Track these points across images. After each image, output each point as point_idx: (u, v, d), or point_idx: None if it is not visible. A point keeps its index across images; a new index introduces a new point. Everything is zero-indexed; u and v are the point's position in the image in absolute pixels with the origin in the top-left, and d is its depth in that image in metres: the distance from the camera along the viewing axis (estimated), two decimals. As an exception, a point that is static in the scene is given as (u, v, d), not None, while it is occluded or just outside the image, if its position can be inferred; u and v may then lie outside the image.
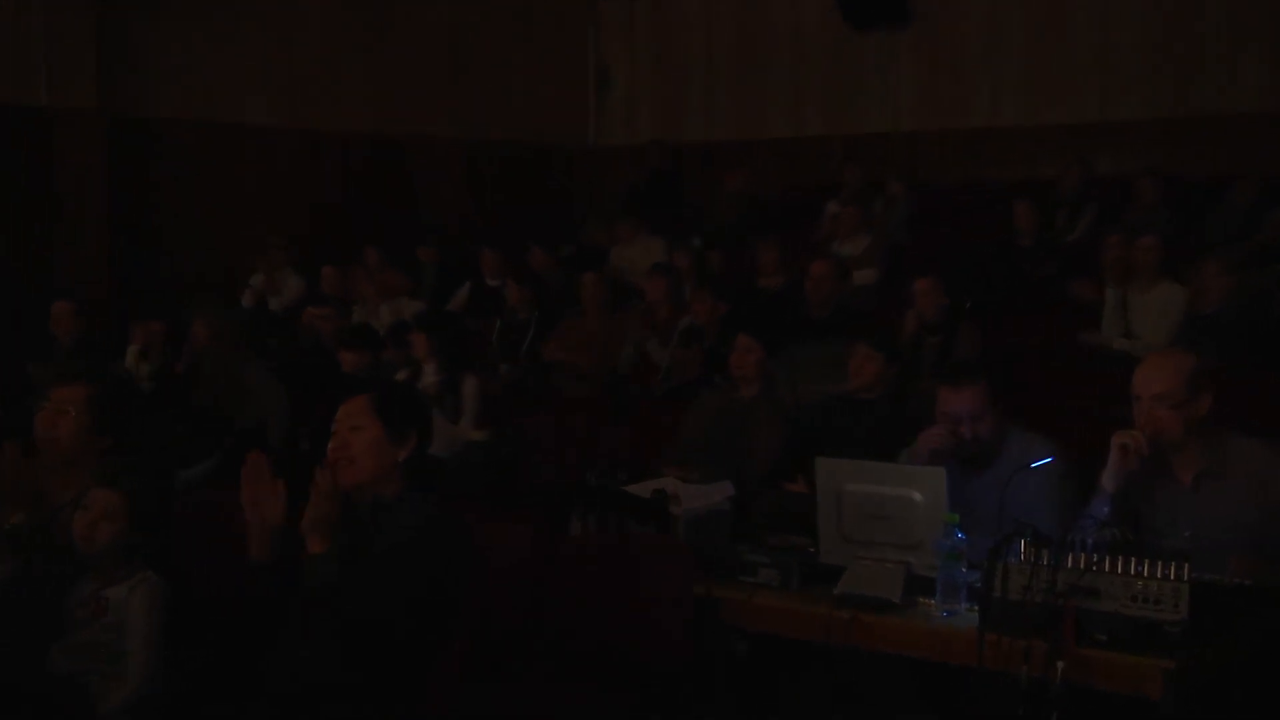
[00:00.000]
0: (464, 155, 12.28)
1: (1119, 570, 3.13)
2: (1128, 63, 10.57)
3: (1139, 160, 9.79)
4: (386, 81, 11.57)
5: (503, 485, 6.32)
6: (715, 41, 12.72)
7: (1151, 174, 9.12)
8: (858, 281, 8.26)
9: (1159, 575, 3.09)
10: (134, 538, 3.64)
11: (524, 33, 12.62)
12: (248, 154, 10.71)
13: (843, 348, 5.69)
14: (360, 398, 3.41)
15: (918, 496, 3.63)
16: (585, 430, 6.53)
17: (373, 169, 11.56)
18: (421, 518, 3.31)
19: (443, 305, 9.41)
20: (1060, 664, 3.08)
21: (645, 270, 8.29)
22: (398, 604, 3.18)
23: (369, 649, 3.20)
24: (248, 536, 3.37)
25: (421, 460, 3.46)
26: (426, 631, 3.26)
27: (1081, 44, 10.79)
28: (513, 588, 4.21)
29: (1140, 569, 3.12)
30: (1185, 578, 3.07)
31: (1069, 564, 3.18)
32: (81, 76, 9.81)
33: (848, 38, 11.82)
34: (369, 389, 3.47)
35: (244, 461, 3.39)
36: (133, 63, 10.12)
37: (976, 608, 3.34)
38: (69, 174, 9.82)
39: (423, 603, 3.22)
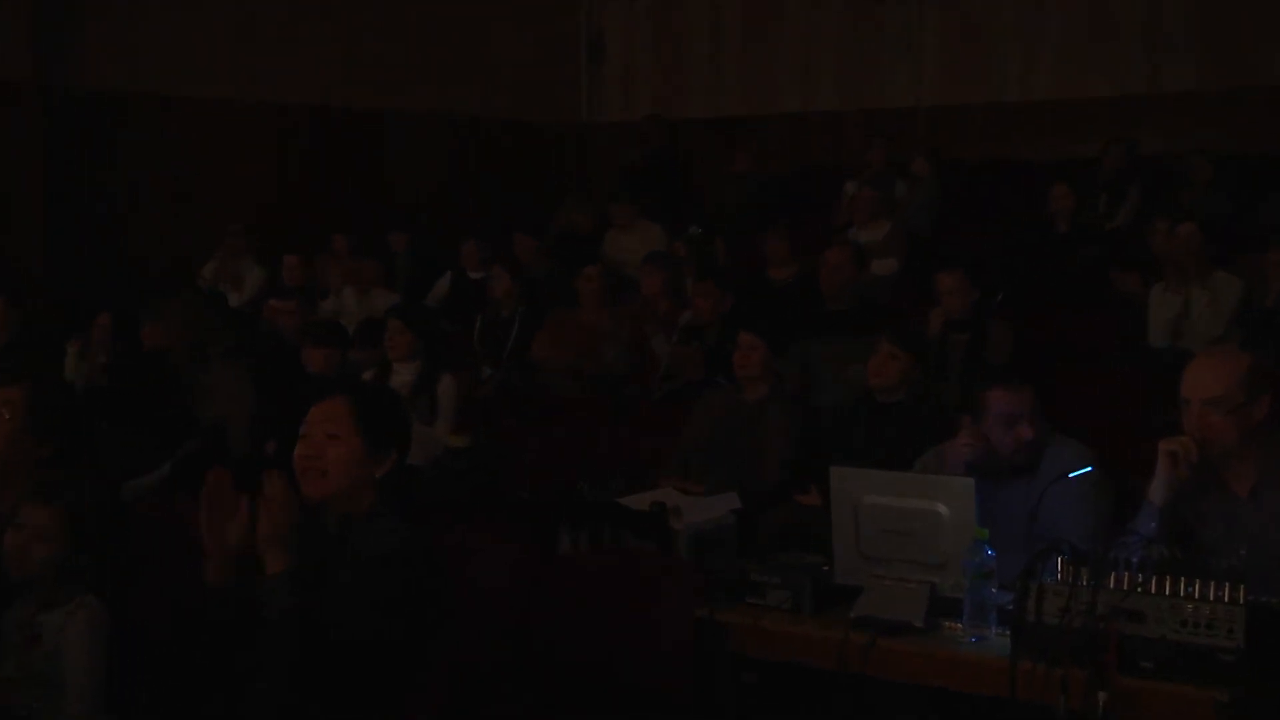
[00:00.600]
0: (442, 132, 12.27)
1: (1167, 591, 3.13)
2: (1178, 28, 10.56)
3: (1190, 137, 9.80)
4: (356, 50, 11.58)
5: (485, 497, 6.30)
6: (721, 6, 12.73)
7: (1203, 152, 9.11)
8: (876, 271, 8.26)
9: (1211, 597, 3.09)
10: (73, 559, 3.62)
11: (508, -4, 12.64)
12: (201, 130, 10.69)
13: (861, 344, 5.69)
14: (340, 400, 3.37)
15: (943, 509, 3.62)
16: (577, 436, 6.52)
17: (340, 148, 11.56)
18: (395, 537, 3.29)
19: (418, 297, 9.41)
20: (1102, 695, 3.08)
21: (641, 260, 8.28)
22: (366, 633, 3.17)
23: (334, 682, 3.18)
24: (204, 559, 3.34)
25: (398, 471, 3.44)
26: (399, 662, 3.25)
27: (1126, 7, 10.79)
28: (497, 611, 4.21)
29: (1191, 590, 3.11)
30: (1241, 600, 3.06)
31: (1111, 584, 3.18)
32: (14, 46, 9.79)
33: (866, 2, 11.82)
34: (349, 390, 3.44)
35: (202, 475, 3.36)
36: (74, 32, 10.10)
37: (1008, 632, 3.33)
38: (1, 152, 9.80)
39: (395, 631, 3.21)
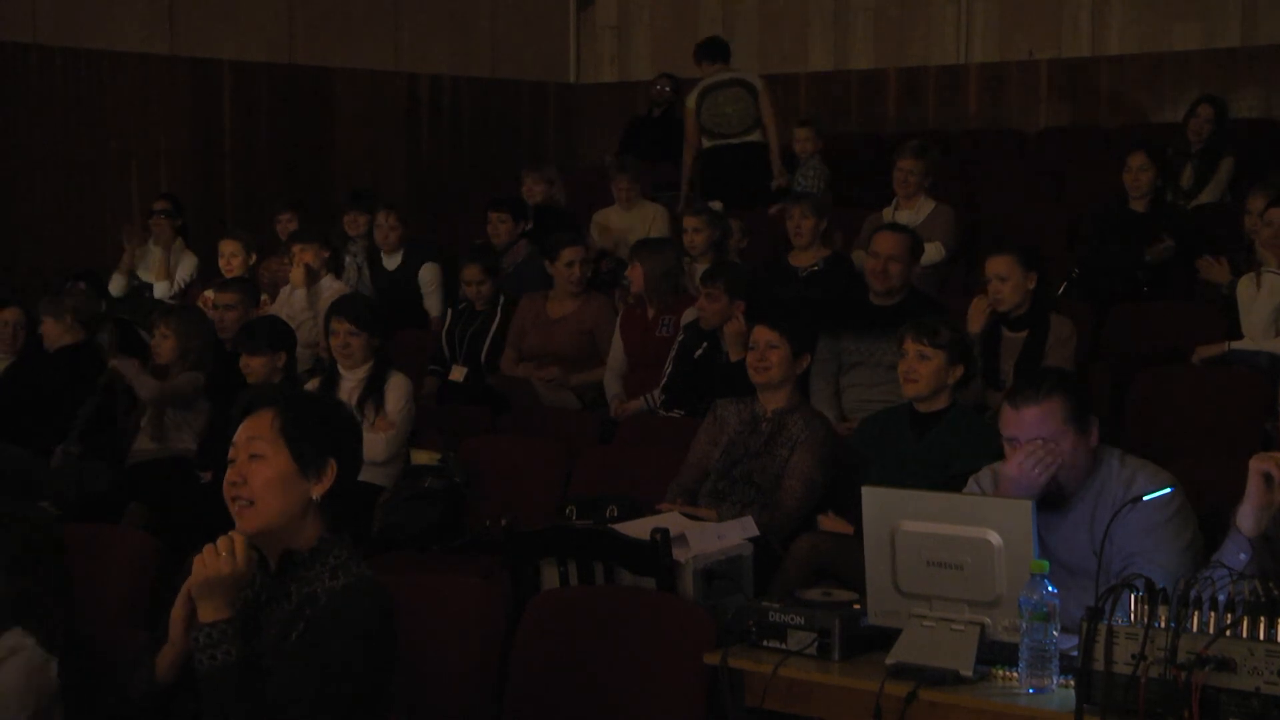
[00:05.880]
0: (405, 95, 12.28)
1: (1261, 636, 3.14)
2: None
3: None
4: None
5: (455, 524, 6.33)
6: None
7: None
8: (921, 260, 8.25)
9: (1314, 642, 3.10)
10: (12, 584, 3.62)
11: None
12: (121, 90, 10.71)
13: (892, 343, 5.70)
14: (263, 414, 3.36)
15: (995, 537, 3.63)
16: (563, 453, 6.53)
17: (285, 112, 11.56)
18: (342, 578, 3.29)
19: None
20: (1183, 757, 3.10)
21: (639, 242, 8.28)
22: (303, 698, 3.18)
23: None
24: (169, 635, 3.33)
25: (346, 494, 3.43)
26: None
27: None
28: (468, 662, 4.22)
29: (1289, 634, 3.13)
30: (1347, 645, 3.08)
31: (1194, 627, 3.19)
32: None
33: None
34: (275, 401, 3.41)
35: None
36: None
37: (1072, 683, 3.35)
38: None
39: (340, 691, 3.21)
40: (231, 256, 9.31)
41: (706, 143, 10.37)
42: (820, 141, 10.32)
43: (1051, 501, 4.04)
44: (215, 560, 3.22)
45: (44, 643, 3.63)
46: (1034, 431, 4.03)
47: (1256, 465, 3.66)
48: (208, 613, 3.22)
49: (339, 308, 6.87)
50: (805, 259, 8.01)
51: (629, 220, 9.55)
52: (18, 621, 3.63)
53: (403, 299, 9.18)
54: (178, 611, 3.30)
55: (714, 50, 10.64)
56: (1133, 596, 3.26)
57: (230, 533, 3.27)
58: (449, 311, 8.44)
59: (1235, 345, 6.89)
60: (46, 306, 7.92)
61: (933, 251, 8.21)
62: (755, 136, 10.32)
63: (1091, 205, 8.60)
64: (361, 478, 3.67)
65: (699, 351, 7.05)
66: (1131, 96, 11.05)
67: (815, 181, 10.08)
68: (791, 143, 10.33)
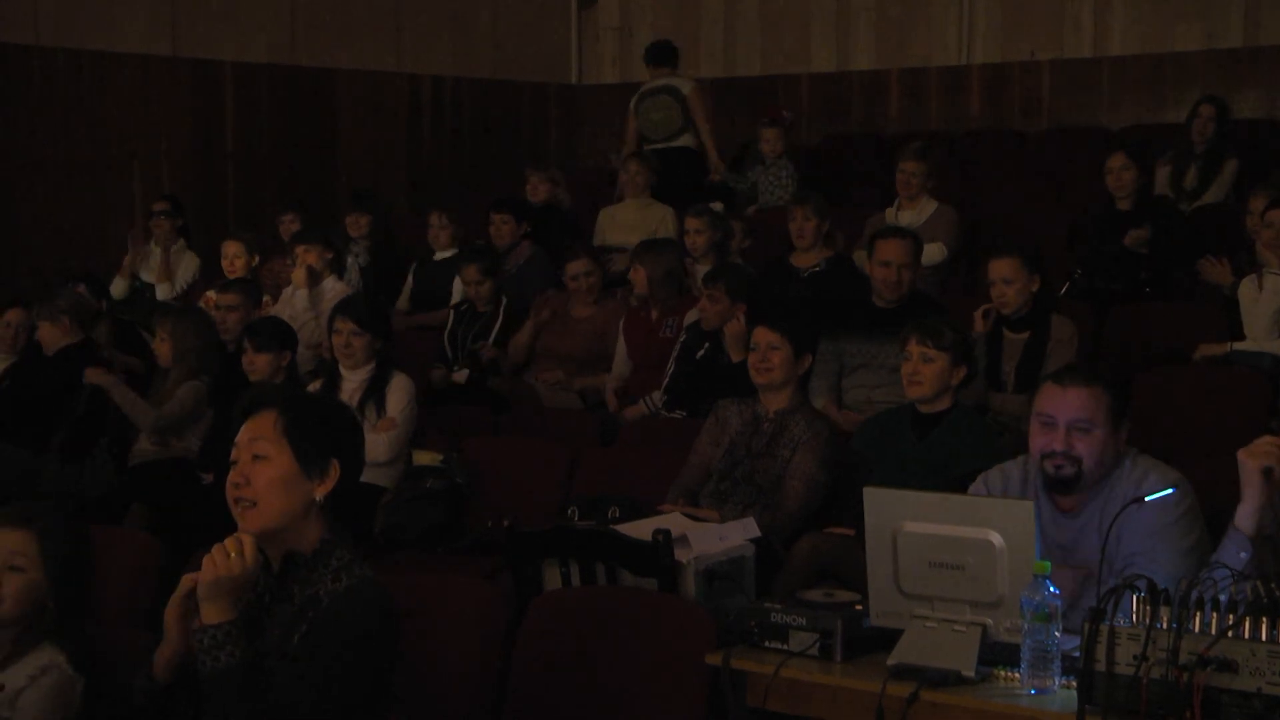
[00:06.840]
0: (407, 95, 12.29)
1: (1263, 636, 3.14)
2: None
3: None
4: (306, -1, 11.62)
5: (457, 525, 6.33)
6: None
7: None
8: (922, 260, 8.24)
9: (1316, 642, 3.10)
10: (48, 599, 3.60)
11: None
12: (122, 91, 10.71)
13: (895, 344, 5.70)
14: (266, 415, 3.37)
15: (997, 538, 3.63)
16: (565, 454, 6.53)
17: (287, 113, 11.57)
18: (345, 580, 3.30)
19: (390, 293, 9.41)
20: (1185, 758, 3.10)
21: (641, 244, 8.28)
22: (308, 694, 3.19)
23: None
24: (165, 634, 3.34)
25: (349, 495, 3.43)
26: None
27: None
28: (469, 662, 4.22)
29: (1291, 634, 3.12)
30: (1352, 645, 3.08)
31: (1196, 628, 3.19)
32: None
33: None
34: (277, 402, 3.42)
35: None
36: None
37: (1074, 683, 3.35)
38: None
39: (342, 692, 3.22)
40: (235, 258, 9.30)
41: (646, 146, 10.45)
42: (786, 141, 10.38)
43: (1067, 487, 4.05)
44: (225, 560, 3.23)
45: (73, 661, 3.63)
46: (1075, 412, 4.02)
47: (1249, 461, 3.64)
48: (212, 614, 3.23)
49: (343, 308, 6.89)
50: (807, 260, 8.00)
51: (636, 218, 9.53)
52: (49, 637, 3.63)
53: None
54: (172, 610, 3.30)
55: (658, 55, 10.82)
56: (1134, 597, 3.26)
57: (238, 533, 3.27)
58: (450, 313, 8.45)
59: (1238, 346, 6.90)
60: (41, 311, 7.92)
61: (935, 252, 8.21)
62: (684, 141, 10.44)
63: (1091, 206, 8.60)
64: (363, 478, 3.68)
65: (701, 352, 7.05)
66: (1133, 97, 11.04)
67: (787, 184, 10.07)
68: (760, 144, 10.36)
